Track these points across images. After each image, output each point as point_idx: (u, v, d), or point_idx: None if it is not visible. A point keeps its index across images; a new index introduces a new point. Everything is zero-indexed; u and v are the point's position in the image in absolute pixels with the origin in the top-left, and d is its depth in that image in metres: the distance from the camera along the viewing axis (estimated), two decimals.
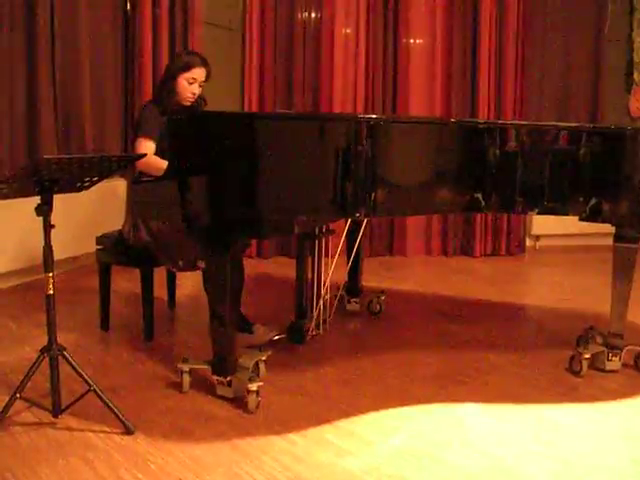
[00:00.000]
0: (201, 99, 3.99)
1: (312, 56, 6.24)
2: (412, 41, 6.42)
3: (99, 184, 2.96)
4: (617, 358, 3.61)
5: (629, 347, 3.64)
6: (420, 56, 6.44)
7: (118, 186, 5.71)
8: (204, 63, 3.88)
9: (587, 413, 3.16)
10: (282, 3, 6.14)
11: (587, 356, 3.56)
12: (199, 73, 3.85)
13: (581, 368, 3.55)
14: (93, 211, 5.35)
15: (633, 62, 7.09)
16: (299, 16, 6.17)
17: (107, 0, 5.67)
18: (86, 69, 5.49)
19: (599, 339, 3.71)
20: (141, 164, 3.72)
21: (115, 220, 4.61)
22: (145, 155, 3.29)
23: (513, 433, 2.95)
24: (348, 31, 6.26)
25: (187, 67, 3.83)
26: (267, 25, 6.11)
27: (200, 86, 3.90)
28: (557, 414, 3.14)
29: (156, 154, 3.77)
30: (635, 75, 7.10)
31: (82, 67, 5.46)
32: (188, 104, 3.91)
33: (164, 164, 3.52)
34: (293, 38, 6.17)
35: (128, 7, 5.82)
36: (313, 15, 6.21)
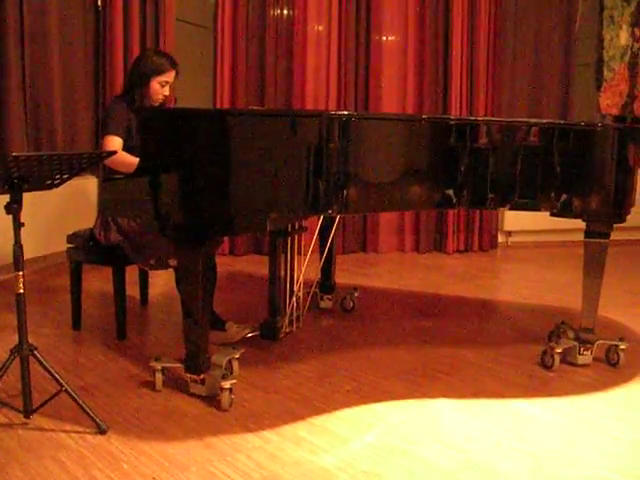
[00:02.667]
0: (173, 98, 3.98)
1: (284, 53, 6.23)
2: (384, 38, 6.44)
3: (70, 181, 2.93)
4: (588, 352, 3.64)
5: (600, 341, 3.67)
6: (392, 53, 6.46)
7: (89, 184, 5.66)
8: (174, 64, 3.88)
9: (560, 407, 3.19)
10: (254, 0, 6.11)
11: (559, 350, 3.59)
12: (170, 75, 3.87)
13: (553, 362, 3.58)
14: (64, 209, 5.31)
15: (603, 60, 7.17)
16: (271, 13, 6.15)
17: None
18: (56, 65, 5.44)
19: (570, 334, 3.74)
20: (109, 161, 3.69)
21: (86, 218, 4.57)
22: (115, 152, 3.26)
23: (487, 428, 2.97)
24: (320, 28, 6.26)
25: (160, 70, 3.82)
26: (239, 22, 6.09)
27: (170, 87, 3.90)
28: (530, 408, 3.16)
29: (123, 150, 3.74)
30: (605, 72, 7.17)
31: (52, 63, 5.40)
32: (157, 104, 3.91)
33: (133, 160, 3.50)
34: (265, 35, 6.15)
35: (99, 3, 5.77)
36: (285, 12, 6.20)
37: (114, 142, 3.73)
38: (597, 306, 3.64)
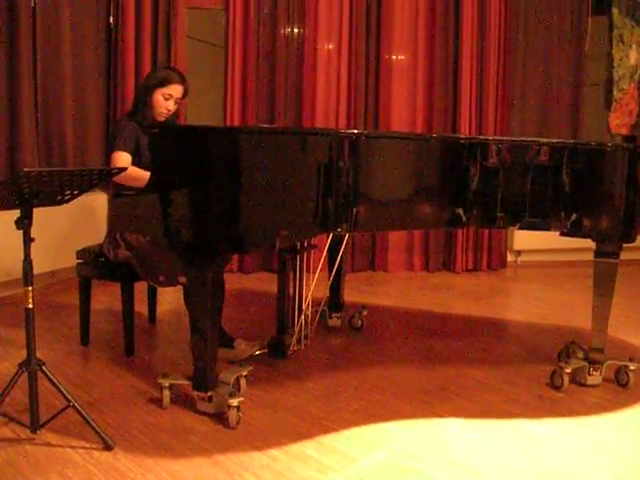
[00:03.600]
0: (174, 115, 3.98)
1: (294, 72, 6.25)
2: (394, 57, 6.44)
3: (80, 197, 2.95)
4: (598, 373, 3.62)
5: (610, 362, 3.65)
6: (402, 72, 6.46)
7: (99, 200, 5.68)
8: (182, 80, 3.87)
9: (569, 427, 3.17)
10: (265, 19, 6.14)
11: (568, 371, 3.57)
12: (176, 89, 3.85)
13: (562, 383, 3.56)
14: (73, 225, 5.32)
15: (613, 79, 7.17)
16: (282, 32, 6.18)
17: (90, 13, 5.67)
18: (68, 82, 5.48)
19: (580, 354, 3.73)
20: (120, 177, 3.70)
21: (96, 234, 4.58)
22: (126, 169, 3.27)
23: (495, 448, 2.95)
24: (330, 47, 6.28)
25: (164, 82, 3.83)
26: (249, 40, 6.11)
27: (176, 103, 3.90)
28: (539, 429, 3.14)
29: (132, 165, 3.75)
30: (615, 92, 7.17)
31: (64, 80, 5.45)
32: (162, 119, 3.90)
33: (144, 174, 3.51)
34: (276, 53, 6.18)
35: (111, 20, 5.82)
36: (296, 31, 6.22)
37: (122, 158, 3.74)
38: (607, 326, 3.62)
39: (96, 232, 4.87)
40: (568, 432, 3.12)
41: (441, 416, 3.24)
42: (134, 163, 3.77)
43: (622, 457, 2.91)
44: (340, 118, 6.31)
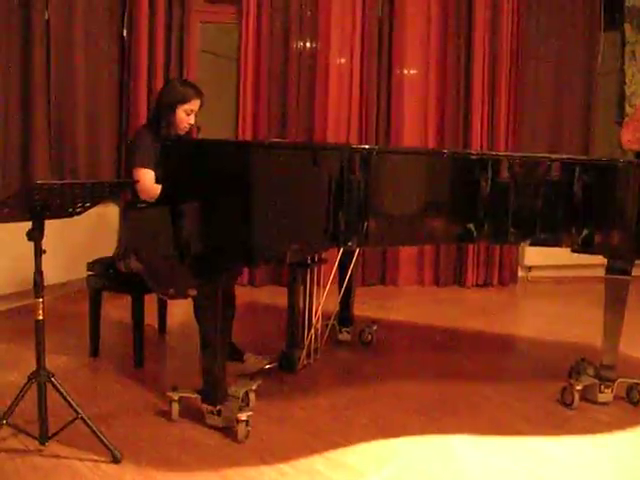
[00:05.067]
0: (197, 127, 4.02)
1: (306, 86, 6.26)
2: (406, 71, 6.45)
3: (92, 209, 2.95)
4: (609, 390, 3.59)
5: (621, 379, 3.63)
6: (413, 87, 6.47)
7: (110, 212, 5.71)
8: (199, 93, 3.92)
9: (579, 445, 3.14)
10: (277, 32, 6.17)
11: (579, 388, 3.54)
12: (196, 104, 3.91)
13: (573, 400, 3.54)
14: (85, 237, 5.34)
15: (624, 94, 7.16)
16: (294, 45, 6.20)
17: (103, 25, 5.71)
18: (81, 94, 5.52)
19: (591, 371, 3.70)
20: (143, 192, 3.73)
21: (107, 246, 4.58)
22: (138, 181, 3.28)
23: (504, 466, 2.93)
24: (342, 61, 6.30)
25: (185, 99, 3.87)
26: (262, 54, 6.14)
27: (196, 116, 3.93)
28: (549, 446, 3.12)
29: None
30: (626, 108, 7.15)
31: (77, 92, 5.48)
32: (183, 134, 3.93)
33: (154, 190, 3.53)
34: (288, 67, 6.20)
35: (124, 33, 5.86)
36: (308, 45, 6.24)
37: (146, 175, 3.76)
38: (618, 343, 3.60)
39: (108, 244, 4.87)
40: (578, 450, 3.10)
41: (450, 432, 3.22)
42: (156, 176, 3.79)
43: (634, 477, 2.88)
44: (351, 132, 6.32)
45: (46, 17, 5.16)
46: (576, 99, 7.04)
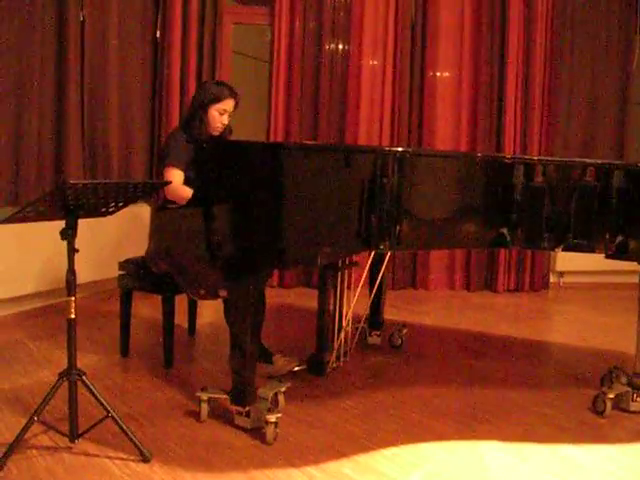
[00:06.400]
0: (228, 128, 4.02)
1: (338, 87, 6.26)
2: (439, 74, 6.43)
3: (124, 209, 2.97)
4: None
5: None
6: (446, 89, 6.44)
7: (143, 212, 5.75)
8: (233, 94, 3.92)
9: (611, 454, 3.10)
10: (310, 34, 6.17)
11: (611, 396, 3.50)
12: (229, 104, 3.90)
13: (605, 408, 3.49)
14: (117, 236, 5.38)
15: None
16: (326, 47, 6.20)
17: (136, 28, 5.76)
18: (114, 96, 5.56)
19: (624, 379, 3.66)
20: (169, 192, 3.75)
21: (139, 246, 4.62)
22: (170, 182, 3.29)
23: (534, 473, 2.90)
24: (375, 63, 6.29)
25: (218, 98, 3.87)
26: (294, 56, 6.15)
27: (229, 116, 3.94)
28: (580, 454, 3.08)
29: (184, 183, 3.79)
30: None
31: (110, 94, 5.52)
32: (216, 134, 3.94)
33: (189, 193, 3.54)
34: (320, 69, 6.20)
35: (157, 35, 5.90)
36: (340, 47, 6.24)
37: (175, 174, 3.77)
38: None
39: (140, 243, 4.92)
40: (609, 459, 3.06)
41: (480, 438, 3.20)
42: (186, 175, 3.80)
43: None
44: (383, 135, 6.31)
45: (81, 19, 5.21)
46: (611, 102, 6.97)
